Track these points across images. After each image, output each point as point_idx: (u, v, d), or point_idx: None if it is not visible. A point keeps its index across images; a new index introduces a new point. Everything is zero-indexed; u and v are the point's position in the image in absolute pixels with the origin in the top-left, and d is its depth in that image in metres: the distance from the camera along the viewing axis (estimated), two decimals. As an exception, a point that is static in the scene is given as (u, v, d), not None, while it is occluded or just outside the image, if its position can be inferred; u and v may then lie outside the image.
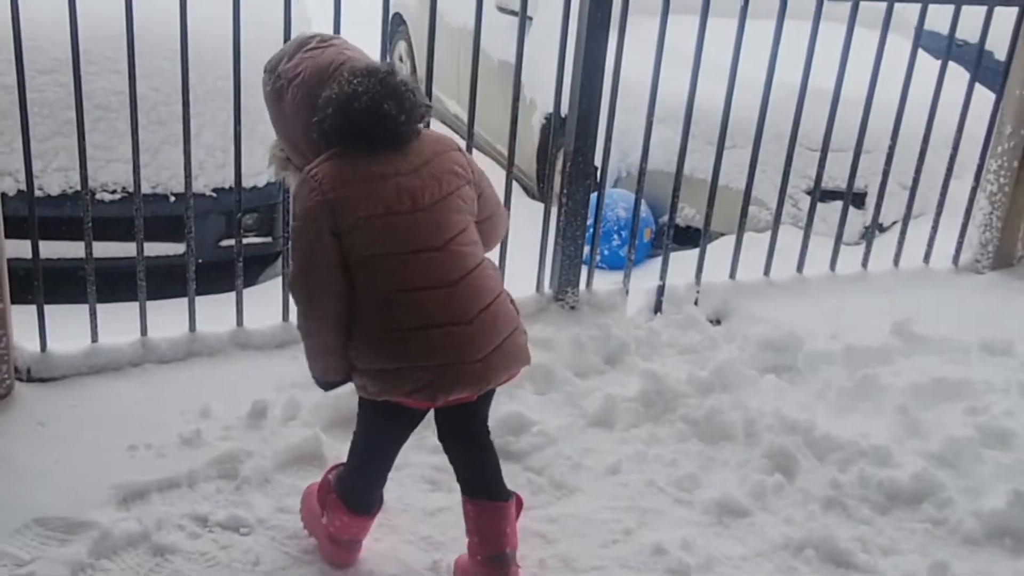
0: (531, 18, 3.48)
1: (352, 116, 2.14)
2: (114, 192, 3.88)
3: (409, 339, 2.15)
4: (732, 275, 3.88)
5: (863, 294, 3.92)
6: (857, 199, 4.72)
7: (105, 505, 2.52)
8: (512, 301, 2.35)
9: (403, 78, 2.22)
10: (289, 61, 2.27)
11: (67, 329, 3.10)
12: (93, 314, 3.10)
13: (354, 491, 2.41)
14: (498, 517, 2.37)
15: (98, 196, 3.82)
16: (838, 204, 4.55)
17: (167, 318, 3.26)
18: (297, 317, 2.28)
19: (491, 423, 2.88)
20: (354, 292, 2.18)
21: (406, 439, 2.42)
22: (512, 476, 2.78)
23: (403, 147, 2.20)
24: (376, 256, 2.15)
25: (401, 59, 7.72)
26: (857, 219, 4.79)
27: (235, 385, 2.99)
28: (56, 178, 3.83)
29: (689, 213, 4.82)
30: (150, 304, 3.20)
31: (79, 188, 3.05)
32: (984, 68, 4.11)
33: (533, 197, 5.59)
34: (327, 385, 2.36)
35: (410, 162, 2.20)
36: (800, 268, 3.99)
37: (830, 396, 3.22)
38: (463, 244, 2.23)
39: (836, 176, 4.55)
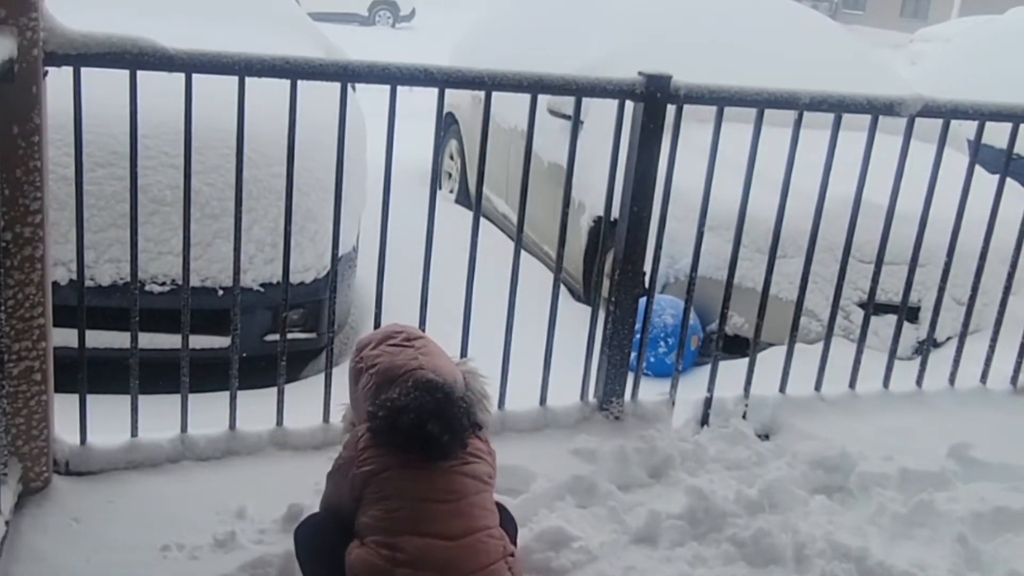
0: (582, 122, 3.47)
1: (398, 427, 2.34)
2: (163, 284, 3.92)
3: (395, 574, 2.23)
4: (782, 389, 3.79)
5: (918, 414, 3.80)
6: (910, 313, 4.64)
7: (132, 610, 2.46)
8: (512, 567, 2.39)
9: (462, 396, 2.41)
10: (373, 349, 2.54)
11: (107, 421, 3.08)
12: (135, 409, 3.08)
13: None
14: None
15: (147, 288, 3.86)
16: (889, 317, 4.49)
17: (208, 412, 3.24)
18: None
19: (531, 537, 2.83)
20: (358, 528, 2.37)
21: None
22: (551, 595, 2.70)
23: (442, 460, 2.37)
24: (389, 497, 2.32)
25: (452, 157, 7.82)
26: (910, 334, 4.70)
27: (272, 487, 2.94)
28: (108, 269, 3.87)
29: (737, 322, 4.76)
30: (192, 397, 3.18)
31: (129, 279, 3.06)
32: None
33: (579, 299, 5.55)
34: None
35: (444, 489, 2.35)
36: (852, 384, 3.89)
37: (884, 521, 3.09)
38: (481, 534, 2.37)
39: (888, 289, 4.48)
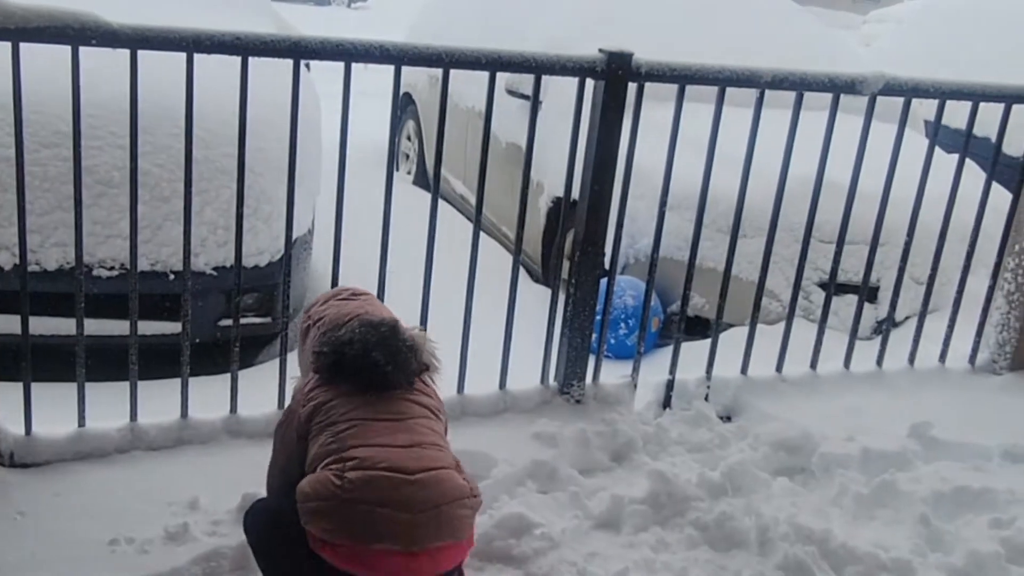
0: (541, 102, 3.40)
1: (343, 360, 2.38)
2: (112, 268, 3.81)
3: (345, 477, 2.20)
4: (744, 370, 3.77)
5: (878, 393, 3.80)
6: (869, 293, 4.63)
7: (79, 606, 2.38)
8: (467, 479, 2.37)
9: (408, 335, 2.45)
10: (321, 305, 2.62)
11: (53, 410, 2.98)
12: (82, 398, 2.99)
13: None
14: None
15: (95, 272, 3.75)
16: (849, 298, 4.49)
17: (159, 400, 3.16)
18: None
19: (491, 524, 2.78)
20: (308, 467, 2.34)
21: None
22: (513, 583, 2.65)
23: (389, 392, 2.39)
24: (334, 423, 2.32)
25: (409, 138, 7.72)
26: (869, 313, 4.70)
27: (226, 476, 2.86)
28: (54, 253, 3.75)
29: (697, 303, 4.72)
30: (142, 384, 3.09)
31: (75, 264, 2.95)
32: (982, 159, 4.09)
33: (537, 281, 5.50)
34: None
35: (388, 411, 2.36)
36: (814, 365, 3.88)
37: (846, 502, 3.08)
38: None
39: (847, 269, 4.47)
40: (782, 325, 3.86)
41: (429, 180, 7.08)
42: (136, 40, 2.73)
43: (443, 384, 3.36)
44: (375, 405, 2.36)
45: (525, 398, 3.48)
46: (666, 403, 3.65)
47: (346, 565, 2.18)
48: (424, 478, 2.24)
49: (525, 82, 5.08)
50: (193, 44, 2.80)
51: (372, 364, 2.36)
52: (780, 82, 3.47)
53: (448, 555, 2.25)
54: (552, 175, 5.14)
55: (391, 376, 2.38)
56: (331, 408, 2.35)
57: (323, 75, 4.36)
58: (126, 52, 2.77)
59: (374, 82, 5.04)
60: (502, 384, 3.49)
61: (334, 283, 3.23)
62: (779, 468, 3.28)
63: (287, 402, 3.16)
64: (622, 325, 4.75)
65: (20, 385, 2.92)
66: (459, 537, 2.29)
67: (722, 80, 3.40)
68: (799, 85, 3.51)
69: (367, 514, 2.16)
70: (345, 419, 2.31)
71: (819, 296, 4.52)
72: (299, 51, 2.96)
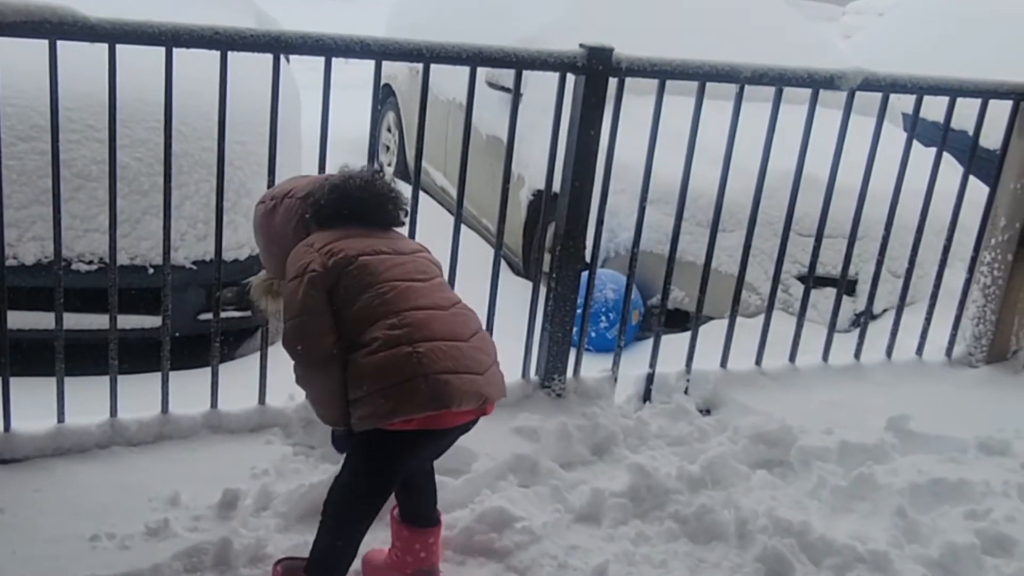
0: (521, 94, 3.40)
1: (349, 191, 2.39)
2: (91, 263, 3.79)
3: (420, 352, 2.23)
4: (723, 363, 3.79)
5: (856, 386, 3.83)
6: (847, 286, 4.66)
7: (60, 604, 2.37)
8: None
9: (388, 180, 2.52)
10: (286, 185, 2.53)
11: (32, 406, 2.97)
12: (61, 393, 2.97)
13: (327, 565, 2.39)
14: (429, 539, 2.57)
15: (74, 266, 3.74)
16: (827, 291, 4.52)
17: (140, 395, 3.14)
18: (294, 370, 2.34)
19: (473, 518, 2.80)
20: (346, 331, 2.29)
21: (398, 480, 2.43)
22: (494, 576, 2.67)
23: (391, 227, 2.47)
24: (374, 284, 2.28)
25: (389, 130, 7.70)
26: (847, 306, 4.73)
27: (207, 472, 2.86)
28: (32, 247, 3.73)
29: (677, 296, 4.74)
30: (122, 379, 3.08)
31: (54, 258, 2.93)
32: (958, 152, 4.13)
33: (518, 273, 5.51)
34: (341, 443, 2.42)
35: (401, 247, 2.43)
36: (792, 358, 3.90)
37: (825, 495, 3.11)
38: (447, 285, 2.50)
39: (826, 262, 4.50)
40: (761, 318, 3.88)
41: (410, 172, 7.05)
42: (114, 34, 2.71)
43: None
44: (403, 265, 2.35)
45: (507, 392, 3.47)
46: (646, 396, 3.67)
47: (429, 425, 2.29)
48: (476, 342, 2.36)
49: (505, 75, 5.08)
50: (172, 38, 2.78)
51: (378, 191, 2.42)
52: (760, 77, 3.48)
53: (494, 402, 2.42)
54: (533, 168, 5.14)
55: (396, 202, 2.44)
56: (359, 269, 2.28)
57: (302, 65, 4.33)
58: (104, 46, 2.76)
59: (353, 74, 5.00)
60: (483, 378, 3.49)
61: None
62: (758, 461, 3.30)
63: (268, 398, 3.19)
64: (602, 318, 4.77)
65: (-1, 381, 2.91)
66: (504, 393, 2.44)
67: (702, 75, 3.41)
68: (779, 80, 3.52)
69: (446, 383, 2.23)
70: (381, 280, 2.29)
71: (798, 289, 4.54)
72: (279, 46, 2.94)
